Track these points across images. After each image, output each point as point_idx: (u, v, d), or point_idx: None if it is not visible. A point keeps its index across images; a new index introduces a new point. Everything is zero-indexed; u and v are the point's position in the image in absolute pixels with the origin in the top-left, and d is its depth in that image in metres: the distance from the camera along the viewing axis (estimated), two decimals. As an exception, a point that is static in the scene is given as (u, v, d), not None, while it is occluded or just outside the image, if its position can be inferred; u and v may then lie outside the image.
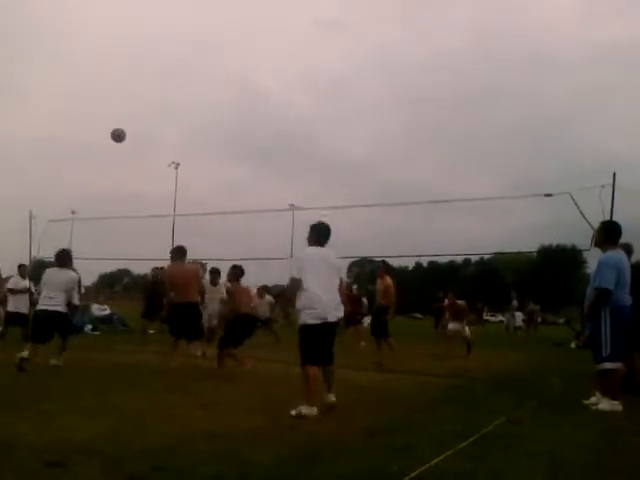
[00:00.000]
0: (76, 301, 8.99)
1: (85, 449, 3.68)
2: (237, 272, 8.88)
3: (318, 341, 5.42)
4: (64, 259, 8.36)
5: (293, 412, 5.10)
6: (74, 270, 8.86)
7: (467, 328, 12.96)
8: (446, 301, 14.29)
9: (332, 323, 5.51)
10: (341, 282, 5.76)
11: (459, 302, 13.58)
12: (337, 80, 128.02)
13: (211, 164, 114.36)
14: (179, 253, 8.86)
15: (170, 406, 5.32)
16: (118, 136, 10.48)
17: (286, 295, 6.57)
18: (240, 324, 8.68)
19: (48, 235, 12.01)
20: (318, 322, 5.41)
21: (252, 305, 9.44)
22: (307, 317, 5.44)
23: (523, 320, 29.53)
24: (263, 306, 15.26)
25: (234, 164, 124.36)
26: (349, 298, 8.43)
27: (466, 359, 11.78)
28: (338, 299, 5.63)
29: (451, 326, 12.92)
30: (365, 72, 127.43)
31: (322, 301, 5.43)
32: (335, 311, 5.55)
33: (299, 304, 5.52)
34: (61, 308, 8.00)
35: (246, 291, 9.22)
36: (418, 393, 6.73)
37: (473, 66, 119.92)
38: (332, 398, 5.51)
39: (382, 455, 3.83)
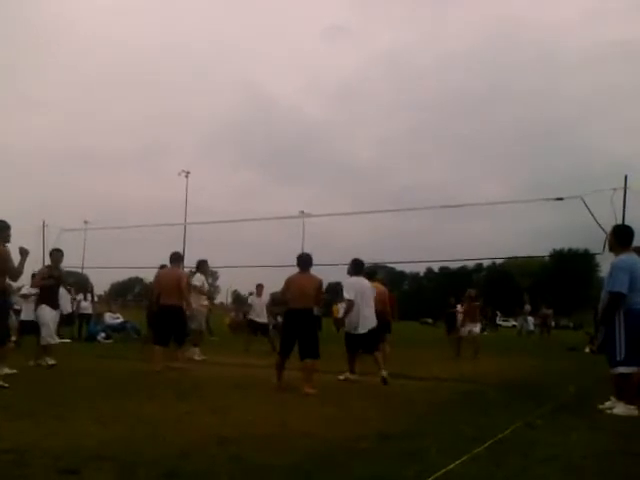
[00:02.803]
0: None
1: (99, 455, 3.69)
2: (171, 256, 9.21)
3: (356, 342, 8.22)
4: None
5: (341, 377, 8.07)
6: None
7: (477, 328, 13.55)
8: (459, 307, 14.47)
9: (366, 333, 8.10)
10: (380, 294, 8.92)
11: (475, 304, 13.91)
12: (346, 85, 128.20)
13: (219, 171, 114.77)
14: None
15: (183, 412, 5.32)
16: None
17: (345, 313, 8.23)
18: (159, 318, 8.86)
19: (61, 244, 12.11)
20: (360, 332, 8.14)
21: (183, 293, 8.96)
22: (350, 328, 8.21)
23: (535, 324, 29.38)
24: (261, 307, 13.69)
25: (243, 171, 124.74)
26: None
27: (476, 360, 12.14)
28: (373, 313, 8.26)
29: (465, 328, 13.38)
30: (374, 76, 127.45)
31: (362, 318, 8.08)
32: (370, 324, 8.16)
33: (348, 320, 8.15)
34: None
35: (169, 277, 8.97)
36: (432, 398, 6.70)
37: (482, 68, 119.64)
38: (383, 372, 7.78)
39: (397, 459, 3.82)
